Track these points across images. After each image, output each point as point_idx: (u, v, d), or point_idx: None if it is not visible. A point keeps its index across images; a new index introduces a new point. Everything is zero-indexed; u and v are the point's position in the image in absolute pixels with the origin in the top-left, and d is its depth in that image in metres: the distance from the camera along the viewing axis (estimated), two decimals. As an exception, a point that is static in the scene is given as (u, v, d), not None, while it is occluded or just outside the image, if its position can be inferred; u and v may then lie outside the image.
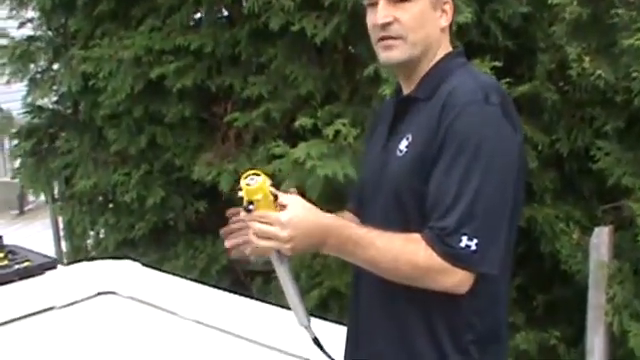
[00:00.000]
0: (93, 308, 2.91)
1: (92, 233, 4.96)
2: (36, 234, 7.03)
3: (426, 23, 1.59)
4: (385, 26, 1.57)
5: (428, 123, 1.55)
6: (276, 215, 1.43)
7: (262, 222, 1.43)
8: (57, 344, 2.62)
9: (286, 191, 1.50)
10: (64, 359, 2.51)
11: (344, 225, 1.52)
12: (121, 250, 4.71)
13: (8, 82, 4.54)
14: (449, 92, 1.55)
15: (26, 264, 3.03)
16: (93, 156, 4.58)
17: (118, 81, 4.01)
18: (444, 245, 1.47)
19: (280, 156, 3.28)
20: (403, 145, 1.60)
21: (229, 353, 2.47)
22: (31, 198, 7.97)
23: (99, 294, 2.98)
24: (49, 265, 3.03)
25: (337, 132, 3.05)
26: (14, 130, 4.77)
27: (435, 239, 1.48)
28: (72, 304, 2.90)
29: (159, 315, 2.78)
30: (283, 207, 1.44)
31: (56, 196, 5.18)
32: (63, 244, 5.32)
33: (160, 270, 3.16)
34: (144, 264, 3.16)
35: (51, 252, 5.38)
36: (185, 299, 2.76)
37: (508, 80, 2.79)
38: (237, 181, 3.40)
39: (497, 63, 2.84)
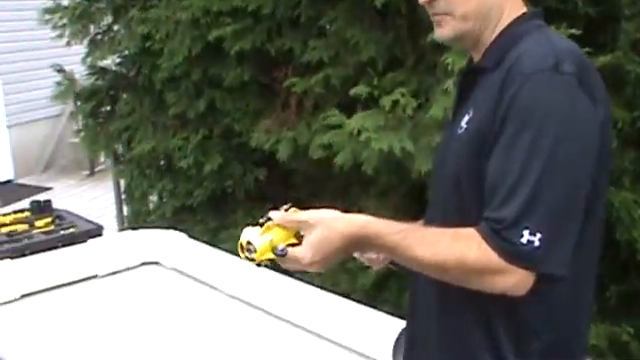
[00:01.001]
0: (136, 278, 2.82)
1: (151, 198, 4.89)
2: (104, 195, 7.07)
3: None
4: (430, 3, 1.42)
5: (490, 95, 1.33)
6: (296, 255, 1.37)
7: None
8: (98, 313, 2.54)
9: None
10: (104, 329, 2.40)
11: (374, 234, 1.35)
12: (179, 216, 4.63)
13: (68, 43, 4.46)
14: (515, 59, 1.33)
15: (71, 230, 2.95)
16: (153, 119, 4.48)
17: (175, 43, 3.88)
18: (501, 240, 1.25)
19: (336, 126, 3.09)
20: (464, 121, 1.40)
21: (268, 335, 2.33)
22: (102, 159, 8.02)
23: (143, 264, 2.89)
24: (94, 232, 2.95)
25: (395, 102, 2.83)
26: (76, 91, 4.70)
27: (490, 233, 1.27)
28: (115, 273, 2.82)
29: (201, 289, 2.66)
30: (301, 237, 1.37)
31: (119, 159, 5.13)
32: (125, 208, 5.27)
33: (208, 243, 3.03)
34: (191, 236, 3.04)
35: (113, 215, 5.38)
36: (229, 275, 2.62)
37: (588, 50, 2.51)
38: (296, 149, 3.24)
39: (575, 31, 2.56)
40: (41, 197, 7.37)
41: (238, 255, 1.43)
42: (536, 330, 1.37)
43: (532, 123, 1.27)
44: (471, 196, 1.37)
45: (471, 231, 1.30)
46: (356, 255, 1.57)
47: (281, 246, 1.38)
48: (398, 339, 1.91)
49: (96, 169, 8.42)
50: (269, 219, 1.42)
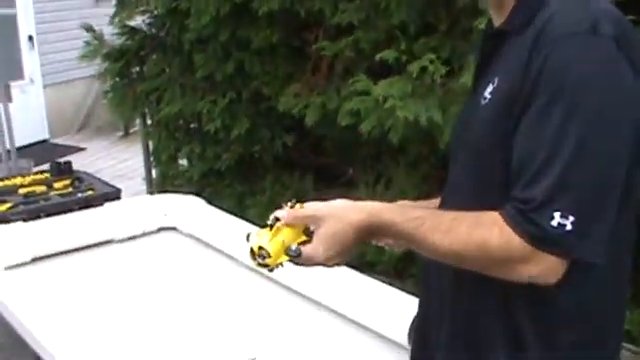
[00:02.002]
0: (152, 244, 2.75)
1: (180, 161, 4.82)
2: (136, 157, 7.02)
3: None
4: None
5: (517, 61, 1.18)
6: (308, 253, 1.27)
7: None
8: (111, 279, 2.47)
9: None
10: (116, 294, 2.34)
11: (388, 222, 1.24)
12: (207, 180, 4.56)
13: (97, 1, 4.37)
14: (546, 21, 1.17)
15: (89, 193, 2.88)
16: (181, 81, 4.38)
17: (202, 3, 3.76)
18: (529, 223, 1.11)
19: (363, 92, 2.95)
20: (488, 91, 1.25)
21: (281, 307, 2.24)
22: (137, 121, 7.99)
23: (160, 230, 2.81)
24: (112, 196, 2.88)
25: (423, 69, 2.68)
26: (105, 52, 4.62)
27: (516, 215, 1.13)
28: (131, 238, 2.75)
29: (217, 258, 2.58)
30: (311, 233, 1.29)
31: (148, 121, 5.06)
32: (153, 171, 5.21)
33: (231, 210, 2.94)
34: (210, 202, 2.96)
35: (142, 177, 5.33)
36: (245, 243, 2.53)
37: (631, 18, 2.33)
38: (325, 115, 3.11)
39: (618, -5, 2.38)
40: (75, 157, 7.39)
41: (259, 225, 1.35)
42: (566, 321, 1.24)
43: (565, 93, 1.12)
44: (495, 175, 1.23)
45: (493, 215, 1.16)
46: (373, 242, 1.46)
47: (294, 246, 1.29)
48: (414, 322, 1.81)
49: (130, 131, 8.37)
50: (277, 219, 1.31)
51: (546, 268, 1.13)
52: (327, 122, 3.55)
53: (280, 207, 1.34)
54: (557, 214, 1.10)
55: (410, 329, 1.85)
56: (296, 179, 4.29)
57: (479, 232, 1.17)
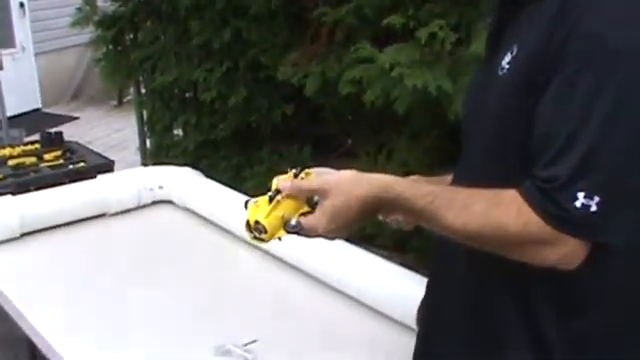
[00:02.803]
0: (146, 218, 2.65)
1: (175, 132, 4.70)
2: (129, 127, 6.89)
3: None
4: None
5: (540, 26, 1.07)
6: (309, 224, 1.21)
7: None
8: (104, 254, 2.37)
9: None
10: (112, 270, 2.24)
11: (398, 196, 1.15)
12: (202, 151, 4.45)
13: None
14: None
15: (80, 165, 2.77)
16: (176, 49, 4.25)
17: (198, -33, 3.63)
18: (550, 203, 1.02)
19: (367, 60, 2.83)
20: (506, 61, 1.13)
21: (278, 281, 2.14)
22: (131, 89, 7.85)
23: (154, 203, 2.70)
24: (104, 167, 2.77)
25: (432, 35, 2.56)
26: (97, 18, 4.47)
27: (537, 194, 1.03)
28: (124, 212, 2.64)
29: (214, 231, 2.48)
30: (315, 204, 1.21)
31: (142, 90, 4.92)
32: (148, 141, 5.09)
33: (228, 182, 2.83)
34: (207, 175, 2.84)
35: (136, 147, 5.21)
36: (242, 217, 2.42)
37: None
38: (325, 84, 2.99)
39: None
40: (67, 127, 7.26)
41: (256, 196, 1.25)
42: (587, 306, 1.15)
43: (596, 61, 1.02)
44: (514, 151, 1.13)
45: (512, 193, 1.07)
46: (380, 217, 1.35)
47: (294, 220, 1.20)
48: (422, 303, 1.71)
49: (124, 100, 8.23)
50: (278, 192, 1.22)
51: (567, 252, 1.04)
52: (327, 91, 3.43)
53: (284, 173, 1.25)
54: (581, 194, 1.00)
55: (419, 310, 1.76)
56: (294, 150, 4.18)
57: (496, 211, 1.08)
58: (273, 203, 1.21)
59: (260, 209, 1.22)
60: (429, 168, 3.24)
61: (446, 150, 3.43)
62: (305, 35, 3.74)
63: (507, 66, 1.14)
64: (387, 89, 2.65)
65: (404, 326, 1.83)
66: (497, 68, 1.16)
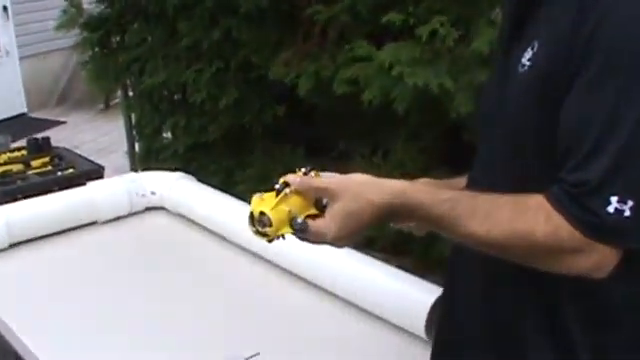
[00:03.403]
0: (139, 225, 2.56)
1: (164, 135, 4.60)
2: (117, 131, 6.80)
3: None
4: None
5: (564, 21, 1.00)
6: (318, 229, 1.12)
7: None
8: (96, 264, 2.28)
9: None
10: (104, 280, 2.15)
11: (415, 203, 1.08)
12: (192, 154, 4.36)
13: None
14: None
15: (69, 171, 2.68)
16: (164, 51, 4.15)
17: (186, -35, 3.54)
18: (581, 210, 0.95)
19: (363, 59, 2.75)
20: (526, 57, 1.06)
21: (281, 294, 2.06)
22: (118, 93, 7.75)
23: (147, 209, 2.61)
24: (94, 174, 2.68)
25: (433, 33, 2.48)
26: (82, 20, 4.36)
27: (566, 200, 0.97)
28: (116, 219, 2.55)
29: (209, 238, 2.39)
30: (323, 207, 1.14)
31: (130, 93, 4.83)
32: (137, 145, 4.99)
33: (219, 185, 2.75)
34: (200, 179, 2.75)
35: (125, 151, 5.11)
36: (239, 224, 2.34)
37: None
38: (319, 84, 2.91)
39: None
40: (54, 131, 7.15)
41: (250, 201, 1.18)
42: (619, 317, 1.08)
43: (625, 58, 0.95)
44: (536, 154, 1.07)
45: (537, 198, 1.00)
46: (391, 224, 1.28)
47: (300, 219, 1.12)
48: (434, 307, 1.65)
49: (111, 103, 8.12)
50: (286, 184, 1.14)
51: (599, 260, 0.98)
52: (321, 91, 3.35)
53: (292, 172, 1.17)
54: (614, 199, 0.94)
55: (428, 319, 1.69)
56: (287, 152, 4.10)
57: (522, 219, 1.00)
58: (280, 196, 1.13)
59: (266, 202, 1.14)
60: (426, 168, 3.17)
61: (443, 150, 3.37)
62: (297, 34, 3.65)
63: (528, 63, 1.07)
64: (386, 88, 2.57)
65: (415, 336, 1.75)
66: (517, 65, 1.09)
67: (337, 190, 1.11)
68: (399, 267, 2.03)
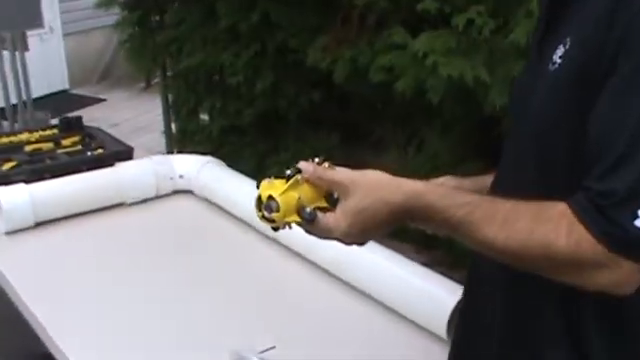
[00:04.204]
0: (166, 208, 2.54)
1: (201, 116, 4.60)
2: (156, 110, 6.83)
3: None
4: None
5: (597, 17, 0.94)
6: (327, 223, 1.08)
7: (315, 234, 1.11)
8: (122, 245, 2.26)
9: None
10: (128, 262, 2.15)
11: (431, 205, 1.03)
12: (227, 137, 4.35)
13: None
14: None
15: (99, 151, 2.67)
16: (202, 32, 4.14)
17: (226, -53, 3.51)
18: (607, 223, 0.89)
19: (400, 46, 2.69)
20: (558, 55, 1.00)
21: (303, 283, 2.02)
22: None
23: (174, 192, 2.59)
24: (123, 155, 2.66)
25: (470, 22, 2.41)
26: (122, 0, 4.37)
27: (591, 212, 0.90)
28: (143, 202, 2.53)
29: (235, 224, 2.36)
30: (334, 201, 1.09)
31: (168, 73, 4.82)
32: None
33: (247, 172, 2.71)
34: (231, 162, 2.72)
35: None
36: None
37: None
38: (355, 71, 2.87)
39: None
40: (94, 108, 7.20)
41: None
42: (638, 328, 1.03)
43: None
44: (565, 157, 1.00)
45: (560, 207, 0.94)
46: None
47: (309, 209, 1.07)
48: (455, 311, 1.60)
49: (152, 82, 8.15)
50: (298, 171, 1.09)
51: (622, 276, 0.91)
52: (357, 78, 3.30)
53: (304, 160, 1.12)
54: None
55: (449, 321, 1.65)
56: (322, 137, 4.07)
57: (542, 228, 0.94)
58: (291, 181, 1.09)
59: (275, 187, 1.09)
60: (460, 161, 3.11)
61: (478, 143, 3.29)
62: (335, 19, 3.60)
63: (559, 60, 1.01)
64: (420, 78, 2.51)
65: (436, 336, 1.71)
66: (548, 63, 1.03)
67: (351, 186, 1.07)
68: (426, 263, 1.99)
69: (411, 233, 3.24)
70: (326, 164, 1.11)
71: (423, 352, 1.70)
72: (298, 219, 1.08)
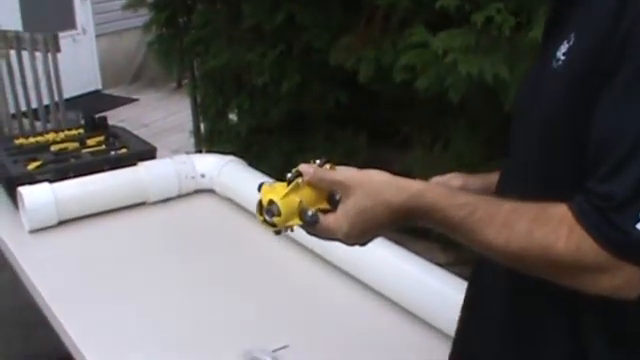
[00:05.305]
0: (187, 207, 2.56)
1: (230, 116, 4.62)
2: (187, 109, 6.88)
3: None
4: None
5: (601, 15, 0.93)
6: (329, 225, 1.08)
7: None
8: (144, 244, 2.29)
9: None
10: (150, 261, 2.18)
11: (432, 205, 1.02)
12: (254, 137, 4.36)
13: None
14: None
15: (122, 151, 2.70)
16: (228, 32, 4.16)
17: (251, -52, 3.52)
18: (609, 226, 0.87)
19: (421, 45, 2.67)
20: (562, 51, 0.99)
21: (321, 283, 2.02)
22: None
23: (196, 192, 2.61)
24: (146, 155, 2.68)
25: (489, 19, 2.39)
26: (150, 0, 4.41)
27: (592, 214, 0.89)
28: (165, 201, 2.56)
29: (255, 223, 2.36)
30: (336, 202, 1.09)
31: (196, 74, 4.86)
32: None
33: (269, 172, 2.72)
34: (257, 162, 2.73)
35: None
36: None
37: None
38: (379, 70, 2.87)
39: None
40: (126, 109, 7.28)
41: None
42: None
43: None
44: (566, 158, 0.99)
45: (561, 209, 0.92)
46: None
47: (310, 211, 1.07)
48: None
49: (183, 82, 8.21)
50: (299, 174, 1.10)
51: (624, 281, 0.89)
52: (381, 78, 3.29)
53: (306, 162, 1.13)
54: None
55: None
56: (349, 136, 4.06)
57: (542, 230, 0.93)
58: (292, 185, 1.09)
59: (276, 191, 1.10)
60: (485, 160, 3.08)
61: (502, 142, 3.26)
62: (359, 19, 3.60)
63: (563, 57, 0.99)
64: (440, 76, 2.50)
65: (449, 337, 1.69)
66: (552, 58, 1.01)
67: (352, 185, 1.07)
68: (451, 262, 1.98)
69: (437, 232, 3.25)
70: (327, 165, 1.12)
71: (438, 354, 1.69)
72: (299, 222, 1.09)
